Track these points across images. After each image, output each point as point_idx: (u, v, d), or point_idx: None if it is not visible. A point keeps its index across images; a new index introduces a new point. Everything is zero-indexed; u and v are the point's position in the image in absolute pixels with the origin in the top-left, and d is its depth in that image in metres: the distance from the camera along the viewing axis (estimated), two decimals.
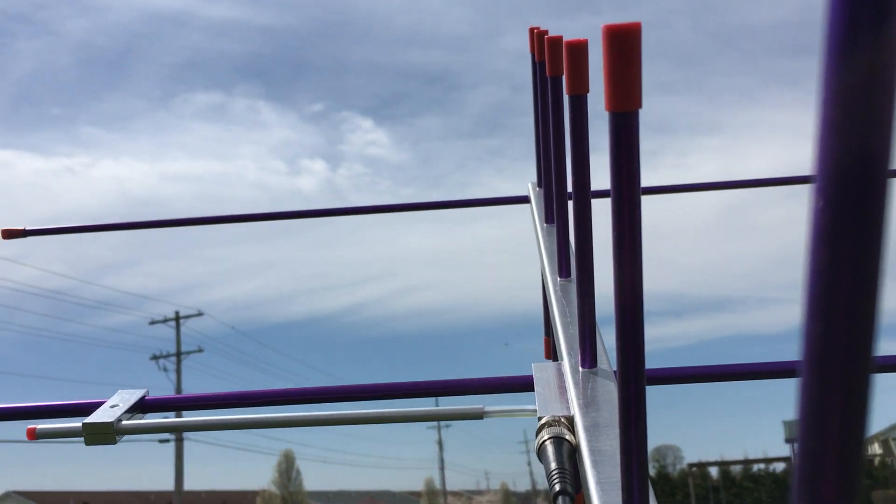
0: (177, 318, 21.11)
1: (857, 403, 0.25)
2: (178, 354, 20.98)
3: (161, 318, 21.31)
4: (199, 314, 21.29)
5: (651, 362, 0.78)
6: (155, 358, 21.07)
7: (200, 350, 21.44)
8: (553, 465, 0.69)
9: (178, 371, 20.67)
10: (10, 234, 1.57)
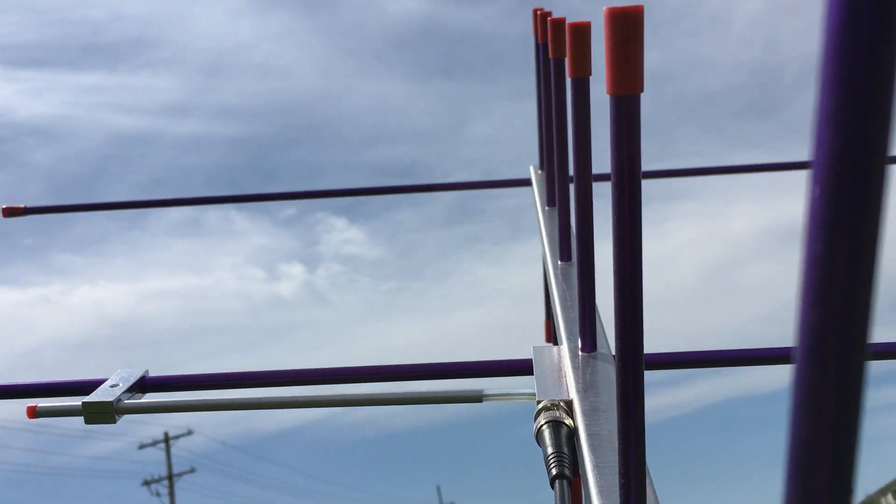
0: (166, 440, 20.73)
1: (852, 390, 0.25)
2: (170, 477, 20.57)
3: (150, 440, 21.08)
4: (189, 433, 21.07)
5: (650, 349, 0.78)
6: (147, 483, 20.69)
7: (193, 470, 21.12)
8: (550, 449, 0.69)
9: (171, 494, 20.32)
10: (12, 212, 1.57)
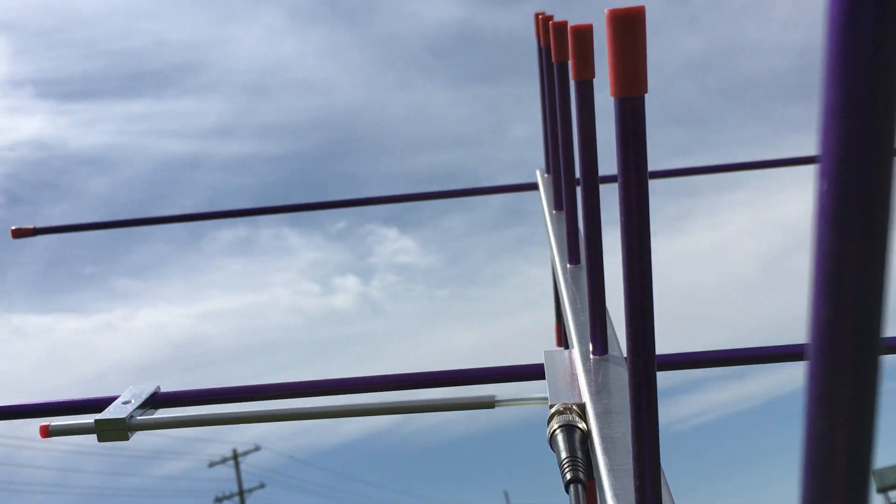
0: (235, 457, 21.04)
1: (866, 386, 0.25)
2: (241, 494, 20.83)
3: (219, 458, 21.40)
4: (257, 449, 21.30)
5: (663, 349, 0.78)
6: (218, 500, 21.00)
7: (263, 486, 21.34)
8: (564, 454, 0.68)
9: None
10: (21, 234, 1.58)
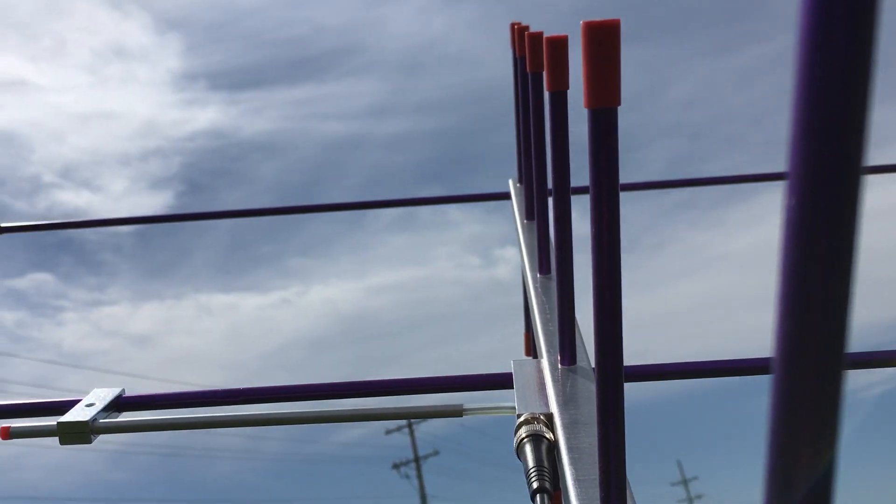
0: (409, 425, 21.55)
1: (830, 399, 0.25)
2: (416, 460, 21.23)
3: (395, 426, 21.74)
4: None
5: (631, 359, 0.78)
6: (395, 466, 21.42)
7: (436, 452, 21.76)
8: (531, 463, 0.68)
9: (419, 476, 20.96)
10: None
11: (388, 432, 21.71)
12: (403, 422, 21.43)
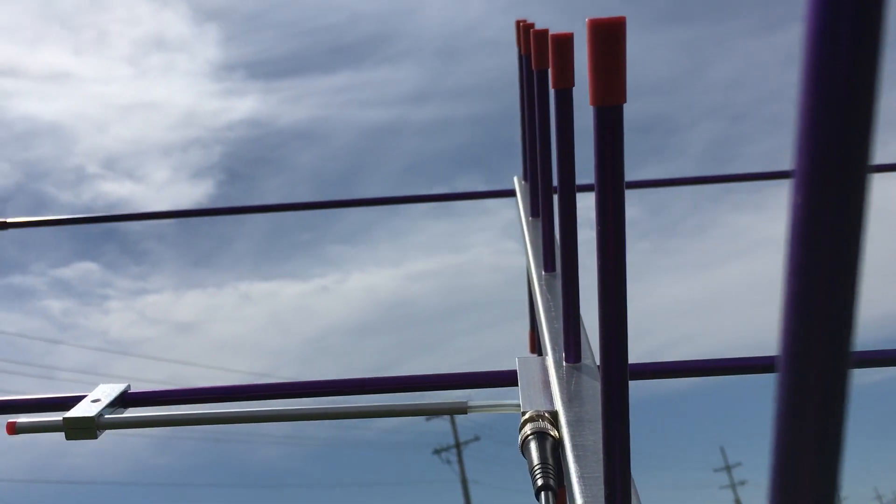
0: None
1: (835, 398, 0.25)
2: (458, 446, 21.45)
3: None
4: None
5: (635, 357, 0.78)
6: (437, 452, 21.70)
7: (477, 438, 21.94)
8: (536, 460, 0.69)
9: (461, 462, 21.17)
10: None
11: (429, 418, 21.67)
12: None
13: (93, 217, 1.73)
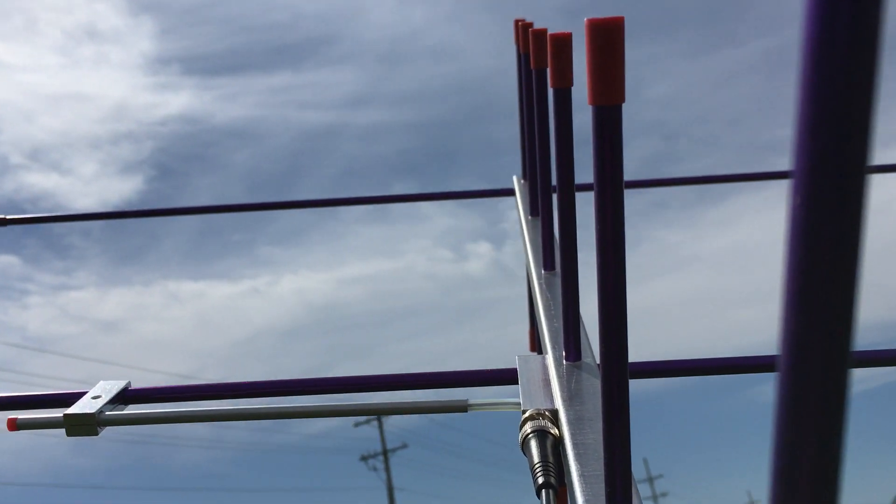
0: (378, 418, 21.24)
1: (835, 398, 0.25)
2: (385, 453, 21.25)
3: (364, 419, 21.41)
4: None
5: (635, 356, 0.78)
6: (364, 458, 21.44)
7: (405, 446, 21.78)
8: (536, 459, 0.69)
9: (387, 469, 20.99)
10: None
11: (357, 424, 21.61)
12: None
13: (93, 214, 1.73)
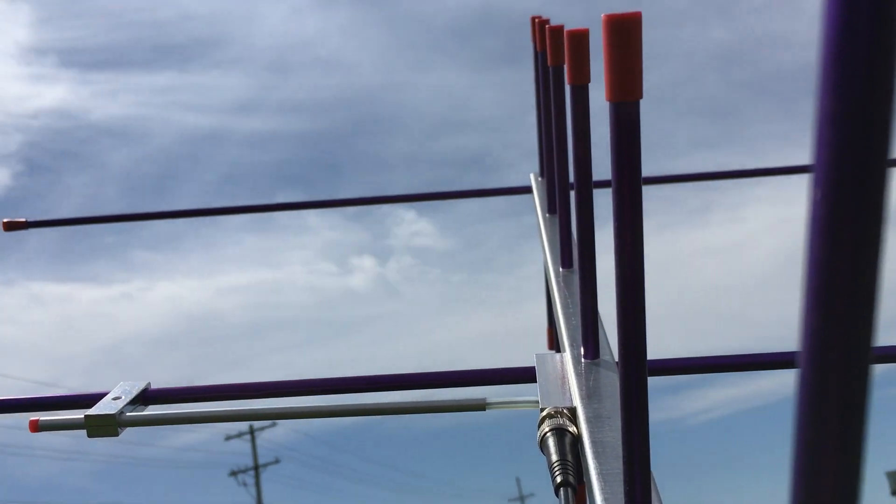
0: (251, 431, 21.13)
1: (857, 394, 0.25)
2: (256, 468, 20.89)
3: (235, 432, 21.36)
4: (274, 424, 20.95)
5: (654, 354, 0.78)
6: (233, 473, 21.01)
7: (277, 461, 21.42)
8: (555, 457, 0.69)
9: (258, 485, 20.66)
10: (13, 227, 1.57)
11: (229, 438, 21.22)
12: (245, 428, 21.17)
13: (107, 216, 1.74)
